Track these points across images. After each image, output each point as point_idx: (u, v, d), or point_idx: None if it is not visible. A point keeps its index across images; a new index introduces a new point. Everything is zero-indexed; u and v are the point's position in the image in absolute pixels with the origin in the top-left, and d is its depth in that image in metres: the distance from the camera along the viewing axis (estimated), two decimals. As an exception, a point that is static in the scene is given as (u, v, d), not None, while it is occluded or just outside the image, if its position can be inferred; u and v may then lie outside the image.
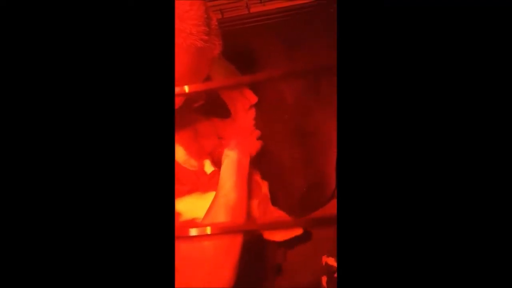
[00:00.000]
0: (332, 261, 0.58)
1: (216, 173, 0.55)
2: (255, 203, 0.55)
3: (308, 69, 0.22)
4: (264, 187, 0.59)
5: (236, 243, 0.48)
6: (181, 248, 0.44)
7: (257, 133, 0.63)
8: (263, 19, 0.74)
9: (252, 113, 0.63)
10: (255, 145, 0.61)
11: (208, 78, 0.52)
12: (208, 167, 0.60)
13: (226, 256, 0.47)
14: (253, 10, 0.75)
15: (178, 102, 0.51)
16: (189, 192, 0.55)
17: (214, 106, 0.63)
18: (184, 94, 0.21)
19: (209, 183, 0.56)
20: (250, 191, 0.54)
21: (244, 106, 0.62)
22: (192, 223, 0.51)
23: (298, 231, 0.51)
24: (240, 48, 0.71)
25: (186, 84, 0.22)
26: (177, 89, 0.22)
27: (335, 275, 0.57)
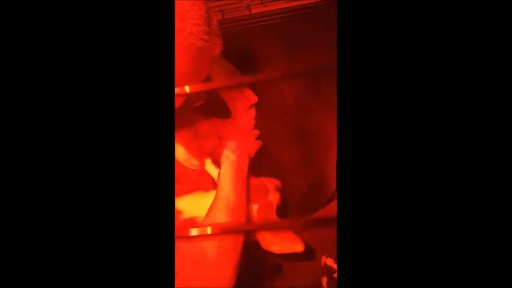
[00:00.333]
0: (331, 262, 0.58)
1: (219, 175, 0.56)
2: (255, 208, 0.55)
3: (308, 69, 0.22)
4: (272, 194, 0.58)
5: (236, 243, 0.48)
6: (181, 248, 0.44)
7: (256, 132, 0.63)
8: (264, 20, 0.74)
9: (252, 112, 0.63)
10: (254, 146, 0.61)
11: (208, 78, 0.52)
12: (209, 166, 0.60)
13: (227, 256, 0.47)
14: (254, 11, 0.75)
15: (178, 101, 0.51)
16: (190, 191, 0.55)
17: (214, 106, 0.63)
18: (185, 94, 0.21)
19: (211, 183, 0.56)
20: (252, 194, 0.54)
21: (244, 105, 0.62)
22: (193, 222, 0.51)
23: (299, 248, 0.51)
24: (241, 48, 0.71)
25: (186, 84, 0.22)
26: (177, 89, 0.22)
27: (335, 275, 0.57)
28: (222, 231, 0.21)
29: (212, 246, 0.46)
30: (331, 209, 0.60)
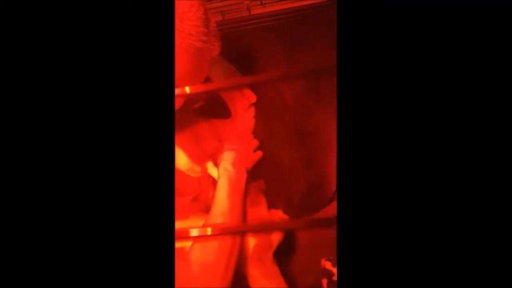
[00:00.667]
0: (329, 265, 0.58)
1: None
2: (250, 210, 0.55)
3: (308, 69, 0.22)
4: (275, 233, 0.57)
5: (235, 244, 0.48)
6: (181, 249, 0.44)
7: (255, 143, 0.62)
8: (263, 20, 0.74)
9: (252, 112, 0.63)
10: (252, 158, 0.61)
11: (207, 79, 0.52)
12: (211, 169, 0.60)
13: (226, 257, 0.47)
14: (254, 12, 0.75)
15: (178, 103, 0.51)
16: (189, 209, 0.54)
17: (213, 107, 0.63)
18: (185, 94, 0.21)
19: (211, 186, 0.56)
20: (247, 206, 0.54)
21: (243, 105, 0.62)
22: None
23: None
24: (241, 49, 0.71)
25: (185, 85, 0.22)
26: (177, 90, 0.22)
27: (334, 278, 0.57)
28: (221, 231, 0.21)
29: (211, 247, 0.46)
30: (331, 209, 0.60)
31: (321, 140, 0.65)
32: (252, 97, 0.62)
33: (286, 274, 0.60)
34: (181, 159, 0.57)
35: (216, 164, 0.59)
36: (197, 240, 0.44)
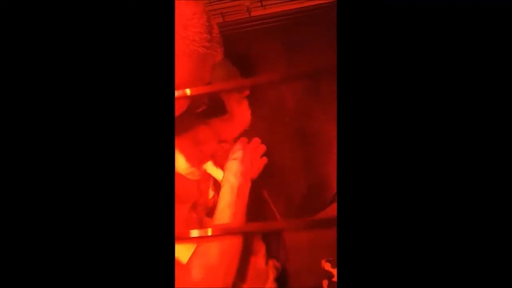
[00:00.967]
0: (329, 267, 0.58)
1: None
2: None
3: (309, 71, 0.22)
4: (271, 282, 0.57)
5: (236, 244, 0.48)
6: (182, 249, 0.44)
7: (263, 148, 0.61)
8: (264, 22, 0.74)
9: (246, 104, 0.63)
10: (258, 166, 0.60)
11: (209, 84, 0.53)
12: (211, 169, 0.60)
13: (228, 258, 0.47)
14: (254, 13, 0.76)
15: (180, 108, 0.51)
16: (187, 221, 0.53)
17: (211, 107, 0.64)
18: (186, 97, 0.22)
19: (213, 188, 0.56)
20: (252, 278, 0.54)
21: (237, 99, 0.63)
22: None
23: None
24: (241, 51, 0.71)
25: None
26: (178, 92, 0.22)
27: (334, 279, 0.57)
28: (222, 232, 0.21)
29: (213, 247, 0.46)
30: (332, 210, 0.60)
31: (322, 142, 0.65)
32: (245, 91, 0.62)
33: (286, 275, 0.60)
34: (181, 163, 0.56)
35: (218, 165, 0.59)
36: (197, 242, 0.44)
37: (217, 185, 0.58)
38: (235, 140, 0.61)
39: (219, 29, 0.48)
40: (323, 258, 0.60)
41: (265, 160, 0.61)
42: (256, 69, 0.71)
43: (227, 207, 0.51)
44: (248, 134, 0.64)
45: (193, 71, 0.46)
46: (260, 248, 0.57)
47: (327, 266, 0.59)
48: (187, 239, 0.21)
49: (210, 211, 0.55)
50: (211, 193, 0.59)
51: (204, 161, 0.60)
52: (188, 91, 0.22)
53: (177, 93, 0.22)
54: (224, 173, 0.56)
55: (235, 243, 0.49)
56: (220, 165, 0.59)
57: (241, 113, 0.62)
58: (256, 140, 0.62)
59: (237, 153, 0.57)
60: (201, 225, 0.53)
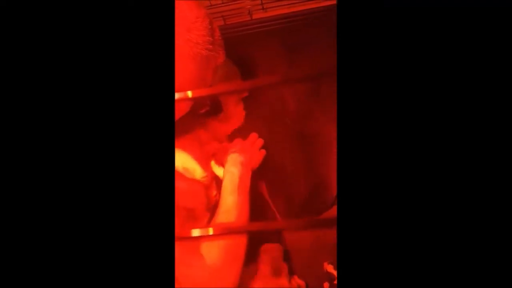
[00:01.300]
0: (331, 269, 0.58)
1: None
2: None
3: (309, 73, 0.23)
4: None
5: (240, 245, 0.48)
6: (183, 250, 0.44)
7: (260, 142, 0.63)
8: (265, 25, 0.74)
9: (241, 105, 0.64)
10: (258, 157, 0.61)
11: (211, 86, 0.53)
12: (214, 168, 0.60)
13: (231, 259, 0.47)
14: (255, 16, 0.76)
15: (183, 110, 0.52)
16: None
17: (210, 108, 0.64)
18: (187, 99, 0.22)
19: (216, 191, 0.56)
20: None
21: (235, 100, 0.63)
22: None
23: None
24: (243, 53, 0.71)
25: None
26: (179, 94, 0.22)
27: (335, 281, 0.57)
28: (223, 231, 0.21)
29: (216, 247, 0.46)
30: (332, 212, 0.60)
31: (321, 142, 0.65)
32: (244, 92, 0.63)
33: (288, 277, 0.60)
34: (198, 172, 0.57)
35: (219, 163, 0.60)
36: (199, 240, 0.44)
37: (219, 183, 0.58)
38: (229, 137, 0.61)
39: (220, 32, 0.49)
40: (325, 260, 0.60)
41: (264, 152, 0.62)
42: (257, 71, 0.71)
43: (230, 194, 0.52)
44: (248, 134, 0.64)
45: (196, 73, 0.47)
46: (283, 268, 0.58)
47: (330, 268, 0.59)
48: (188, 238, 0.21)
49: (213, 208, 0.55)
50: (213, 192, 0.60)
51: (209, 161, 0.60)
52: (189, 93, 0.23)
53: (179, 95, 0.23)
54: (225, 165, 0.56)
55: (239, 241, 0.49)
56: (221, 163, 0.59)
57: (236, 113, 0.63)
58: (254, 135, 0.63)
59: (236, 147, 0.59)
60: (203, 222, 0.53)
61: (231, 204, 0.51)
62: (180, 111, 0.51)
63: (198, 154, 0.58)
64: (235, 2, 0.74)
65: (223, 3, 0.73)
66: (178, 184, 0.52)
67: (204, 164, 0.58)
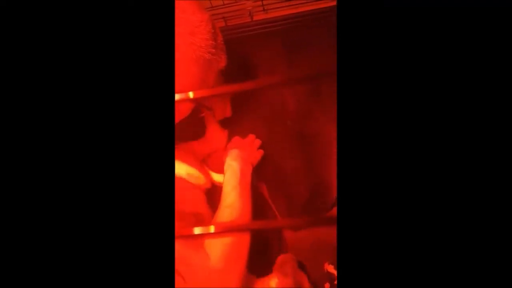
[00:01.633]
0: (332, 269, 0.58)
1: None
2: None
3: (309, 74, 0.23)
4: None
5: (243, 244, 0.48)
6: (184, 249, 0.44)
7: (258, 142, 0.64)
8: (265, 26, 0.75)
9: (225, 131, 0.64)
10: (256, 155, 0.62)
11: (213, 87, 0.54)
12: (213, 174, 0.61)
13: (235, 258, 0.47)
14: (256, 17, 0.76)
15: (184, 112, 0.52)
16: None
17: (190, 126, 0.64)
18: (188, 99, 0.22)
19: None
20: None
21: (216, 125, 0.64)
22: None
23: None
24: (244, 54, 0.72)
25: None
26: (180, 95, 0.22)
27: (335, 282, 0.57)
28: (225, 229, 0.21)
29: (220, 247, 0.46)
30: (333, 212, 0.60)
31: (321, 142, 0.65)
32: (228, 112, 0.63)
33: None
34: (201, 177, 0.58)
35: (212, 167, 0.61)
36: (201, 238, 0.44)
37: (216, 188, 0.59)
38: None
39: (221, 33, 0.50)
40: (326, 260, 0.60)
41: (261, 152, 0.63)
42: (258, 71, 0.72)
43: (232, 189, 0.52)
44: (247, 134, 0.65)
45: (198, 76, 0.48)
46: (303, 279, 0.58)
47: (330, 268, 0.59)
48: (189, 236, 0.21)
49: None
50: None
51: (204, 165, 0.61)
52: (191, 94, 0.23)
53: (180, 96, 0.23)
54: (225, 162, 0.57)
55: (242, 240, 0.49)
56: (217, 167, 0.60)
57: (217, 137, 0.64)
58: (251, 136, 0.64)
59: (235, 144, 0.61)
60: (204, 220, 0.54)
61: (233, 198, 0.51)
62: (181, 113, 0.52)
63: (197, 162, 0.59)
64: (236, 4, 0.74)
65: (224, 4, 0.73)
66: (184, 191, 0.53)
67: (202, 169, 0.59)
